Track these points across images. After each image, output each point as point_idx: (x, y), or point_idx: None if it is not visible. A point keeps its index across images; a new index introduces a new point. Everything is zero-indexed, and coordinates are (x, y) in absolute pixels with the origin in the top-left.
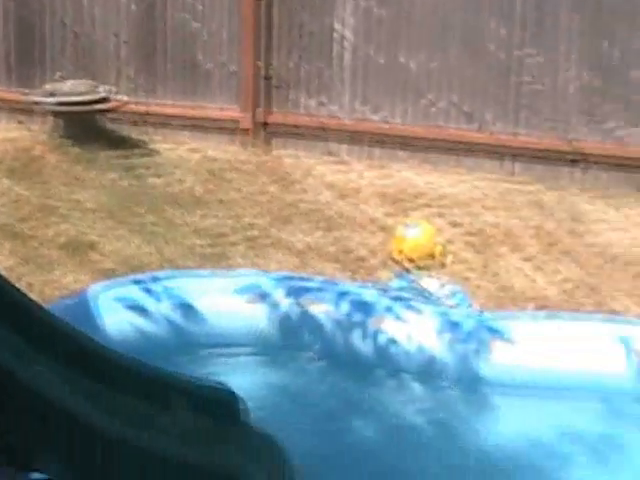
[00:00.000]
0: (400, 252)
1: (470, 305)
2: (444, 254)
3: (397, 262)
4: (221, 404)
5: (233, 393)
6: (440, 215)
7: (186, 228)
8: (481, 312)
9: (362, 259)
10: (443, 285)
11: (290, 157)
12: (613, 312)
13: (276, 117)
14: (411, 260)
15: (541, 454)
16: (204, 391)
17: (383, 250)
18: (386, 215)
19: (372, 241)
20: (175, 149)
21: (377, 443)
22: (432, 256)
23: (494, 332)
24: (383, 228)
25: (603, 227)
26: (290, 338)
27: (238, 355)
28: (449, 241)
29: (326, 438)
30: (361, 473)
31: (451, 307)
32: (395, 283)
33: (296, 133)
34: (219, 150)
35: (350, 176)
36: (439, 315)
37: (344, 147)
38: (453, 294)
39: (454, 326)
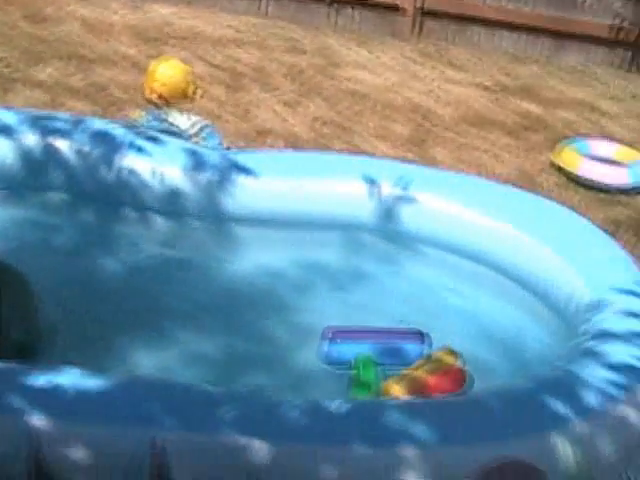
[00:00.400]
0: (152, 90)
1: (220, 142)
2: (197, 93)
3: (149, 100)
4: None
5: None
6: (194, 54)
7: None
8: (228, 148)
9: (114, 97)
10: (194, 122)
11: None
12: (361, 151)
13: None
14: (163, 98)
15: (285, 286)
16: None
17: (136, 88)
18: (140, 53)
19: (125, 79)
20: None
21: (121, 279)
22: (185, 94)
23: (240, 168)
24: (137, 66)
25: (356, 68)
26: (36, 175)
27: None
28: (202, 79)
29: (71, 274)
30: (107, 310)
31: (200, 144)
32: (145, 120)
33: None
34: None
35: (105, 13)
36: (185, 151)
37: None
38: (203, 131)
39: (200, 161)
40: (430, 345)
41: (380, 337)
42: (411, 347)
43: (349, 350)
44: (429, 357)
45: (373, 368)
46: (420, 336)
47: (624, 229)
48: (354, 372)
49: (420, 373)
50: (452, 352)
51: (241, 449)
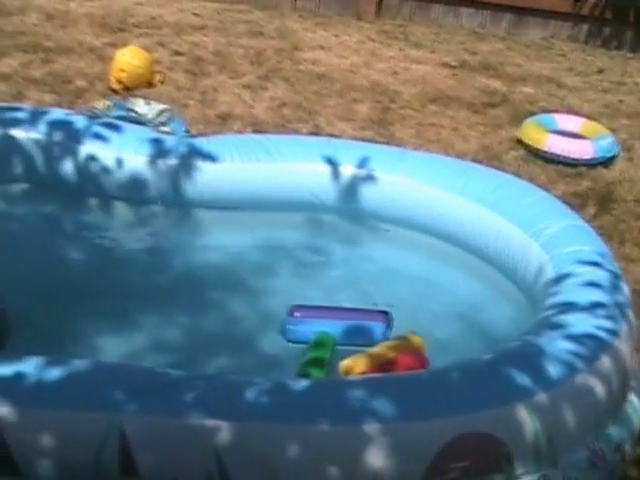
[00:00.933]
0: (118, 81)
1: (187, 130)
2: (162, 81)
3: (114, 90)
4: None
5: None
6: (157, 41)
7: None
8: (193, 135)
9: (78, 87)
10: (159, 110)
11: None
12: (325, 133)
13: None
14: (129, 88)
15: (248, 268)
16: None
17: (100, 78)
18: (105, 44)
19: (90, 70)
20: None
21: (85, 267)
22: (149, 83)
23: (202, 153)
24: (100, 56)
25: (318, 50)
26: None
27: None
28: (165, 66)
29: (35, 264)
30: (70, 297)
31: (167, 132)
32: (111, 110)
33: None
34: None
35: (69, 5)
36: (148, 138)
37: None
38: (168, 118)
39: (163, 148)
40: (390, 326)
41: (344, 315)
42: (375, 327)
43: (312, 328)
44: (394, 338)
45: (329, 347)
46: (385, 316)
47: (590, 203)
48: (308, 349)
49: (382, 350)
50: (417, 336)
51: (204, 431)
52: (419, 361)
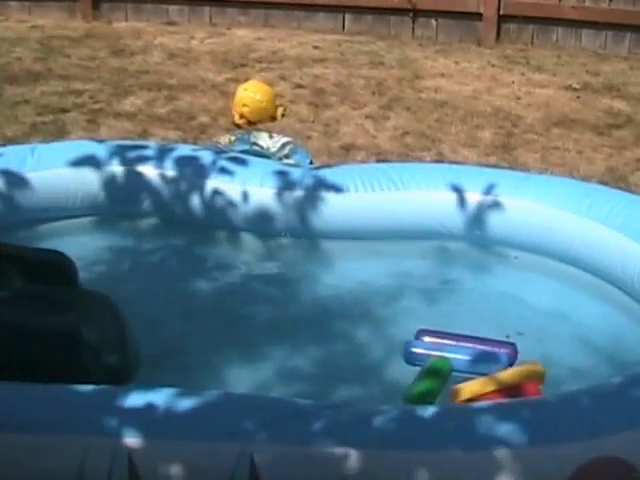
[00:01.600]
0: (241, 116)
1: (311, 162)
2: (285, 114)
3: (238, 126)
4: (55, 269)
5: (66, 257)
6: (278, 75)
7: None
8: (317, 167)
9: (203, 125)
10: (283, 143)
11: (127, 24)
12: (448, 160)
13: None
14: (252, 123)
15: (376, 298)
16: (36, 257)
17: (223, 113)
18: (227, 80)
19: (213, 106)
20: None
21: (214, 300)
22: (272, 117)
23: (328, 184)
24: (224, 93)
25: (438, 78)
26: (128, 203)
27: (78, 224)
28: (287, 99)
29: (163, 298)
30: (200, 329)
31: (291, 165)
32: (235, 145)
33: None
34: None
35: (191, 43)
36: (277, 173)
37: (184, 13)
38: (292, 151)
39: (289, 180)
40: (516, 358)
41: (468, 343)
42: (500, 356)
43: (432, 352)
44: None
45: (441, 374)
46: (511, 347)
47: None
48: (421, 375)
49: (498, 377)
50: (537, 365)
51: (333, 459)
52: (533, 390)
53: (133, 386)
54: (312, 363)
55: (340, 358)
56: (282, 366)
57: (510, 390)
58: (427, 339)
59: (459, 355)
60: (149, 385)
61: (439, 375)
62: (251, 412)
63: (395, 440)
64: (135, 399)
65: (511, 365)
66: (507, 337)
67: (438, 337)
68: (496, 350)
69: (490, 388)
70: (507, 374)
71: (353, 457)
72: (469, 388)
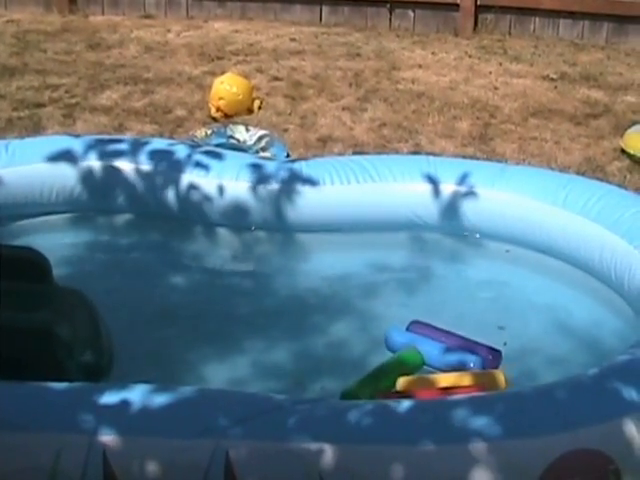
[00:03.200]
0: (218, 109)
1: (288, 155)
2: (262, 107)
3: (215, 119)
4: (28, 265)
5: (40, 254)
6: (255, 68)
7: None
8: (293, 160)
9: (180, 118)
10: (260, 136)
11: (104, 18)
12: (426, 151)
13: None
14: (228, 116)
15: (353, 290)
16: (10, 254)
17: (200, 107)
18: (204, 73)
19: (190, 100)
20: None
21: (189, 294)
22: (250, 111)
23: (307, 177)
24: (201, 86)
25: (416, 69)
26: (103, 198)
27: (53, 220)
28: (267, 94)
29: (138, 293)
30: (177, 324)
31: (268, 158)
32: (212, 139)
33: None
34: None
35: (167, 36)
36: (252, 166)
37: (161, 6)
38: (269, 144)
39: (267, 175)
40: (493, 365)
41: (451, 341)
42: (474, 359)
43: (410, 342)
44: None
45: (398, 367)
46: (493, 353)
47: None
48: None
49: (452, 377)
50: (503, 374)
51: (308, 455)
52: None
53: (107, 383)
54: (289, 357)
55: (318, 351)
56: (259, 360)
57: (452, 390)
58: (415, 330)
59: (434, 350)
60: (123, 382)
61: (400, 366)
62: (226, 408)
63: (370, 435)
64: (109, 396)
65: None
66: (504, 344)
67: (427, 331)
68: (472, 352)
69: (431, 385)
70: (457, 375)
71: (328, 452)
72: (407, 380)
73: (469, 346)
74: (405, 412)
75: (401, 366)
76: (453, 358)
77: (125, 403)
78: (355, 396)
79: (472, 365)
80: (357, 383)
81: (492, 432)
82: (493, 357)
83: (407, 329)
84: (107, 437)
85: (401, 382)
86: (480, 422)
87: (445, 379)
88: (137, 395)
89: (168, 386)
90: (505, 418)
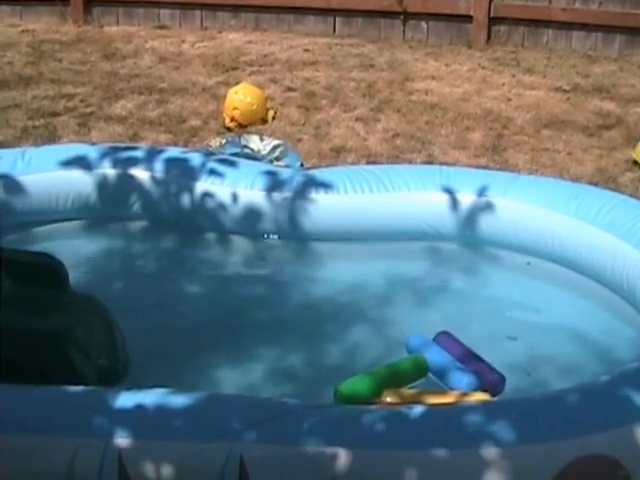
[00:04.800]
0: (232, 119)
1: (301, 164)
2: (275, 117)
3: (229, 129)
4: (45, 271)
5: (56, 260)
6: (269, 78)
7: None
8: (308, 168)
9: (194, 128)
10: (273, 146)
11: (119, 28)
12: (439, 162)
13: None
14: (243, 126)
15: (367, 299)
16: (27, 260)
17: (214, 117)
18: (218, 83)
19: (204, 110)
20: None
21: (204, 302)
22: (263, 119)
23: (320, 186)
24: (215, 96)
25: (429, 80)
26: (118, 206)
27: (69, 227)
28: (278, 102)
29: (154, 300)
30: (191, 331)
31: (282, 167)
32: (226, 148)
33: (120, 1)
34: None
35: (182, 47)
36: (266, 174)
37: (175, 17)
38: (282, 153)
39: (281, 183)
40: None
41: (461, 357)
42: (468, 381)
43: (425, 351)
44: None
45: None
46: (493, 377)
47: None
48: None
49: (436, 395)
50: (484, 396)
51: (322, 459)
52: None
53: (122, 387)
54: (302, 364)
55: (331, 359)
56: (272, 367)
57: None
58: (437, 340)
59: (441, 362)
60: (138, 386)
61: (403, 370)
62: (240, 412)
63: (384, 439)
64: (125, 400)
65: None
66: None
67: (447, 343)
68: (475, 374)
69: (415, 399)
70: (441, 394)
71: (342, 457)
72: (395, 392)
73: (476, 367)
74: (417, 417)
75: (404, 370)
76: (453, 375)
77: (140, 407)
78: (351, 392)
79: (464, 386)
80: (354, 381)
81: (503, 437)
82: (493, 379)
83: (433, 339)
84: (122, 440)
85: (384, 394)
86: (491, 427)
87: (428, 397)
88: (152, 399)
89: (182, 390)
90: (516, 424)
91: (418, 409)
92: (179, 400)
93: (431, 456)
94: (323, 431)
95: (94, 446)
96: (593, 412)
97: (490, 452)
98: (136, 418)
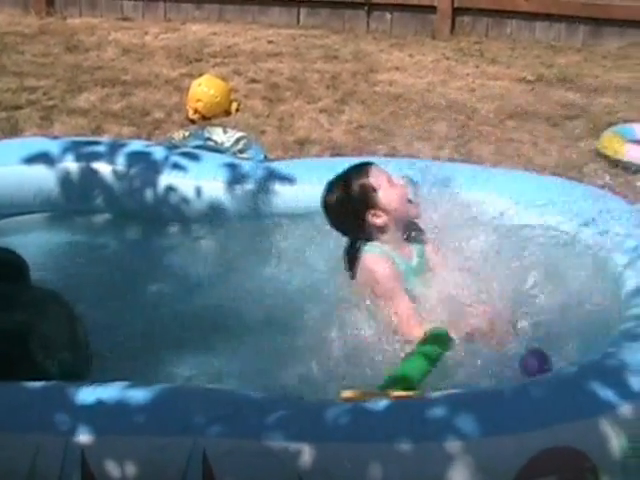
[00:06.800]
0: (195, 111)
1: (265, 156)
2: (239, 109)
3: (193, 122)
4: (5, 266)
5: (17, 255)
6: (233, 70)
7: None
8: (271, 160)
9: (158, 120)
10: (237, 138)
11: (82, 20)
12: (403, 154)
13: None
14: (206, 118)
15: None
16: None
17: (179, 110)
18: (182, 75)
19: (168, 102)
20: None
21: (170, 295)
22: (228, 113)
23: (282, 177)
24: (178, 88)
25: (393, 71)
26: (81, 200)
27: (32, 221)
28: (244, 96)
29: (116, 293)
30: (154, 324)
31: (245, 159)
32: (190, 141)
33: None
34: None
35: (145, 39)
36: (228, 166)
37: (139, 9)
38: (246, 145)
39: (243, 175)
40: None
41: None
42: None
43: None
44: None
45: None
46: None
47: None
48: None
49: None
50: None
51: (286, 454)
52: None
53: (84, 382)
54: (266, 356)
55: (302, 351)
56: (236, 360)
57: None
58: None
59: None
60: (100, 381)
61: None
62: (204, 406)
63: (347, 433)
64: (86, 395)
65: None
66: None
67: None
68: None
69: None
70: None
71: (306, 451)
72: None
73: None
74: (382, 411)
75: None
76: None
77: (102, 402)
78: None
79: None
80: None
81: (469, 430)
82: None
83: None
84: (85, 437)
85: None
86: (457, 420)
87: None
88: (113, 394)
89: (144, 384)
90: (482, 416)
91: (383, 403)
92: (141, 394)
93: (395, 449)
94: (287, 425)
95: (56, 443)
96: (559, 404)
97: (456, 445)
98: (98, 413)
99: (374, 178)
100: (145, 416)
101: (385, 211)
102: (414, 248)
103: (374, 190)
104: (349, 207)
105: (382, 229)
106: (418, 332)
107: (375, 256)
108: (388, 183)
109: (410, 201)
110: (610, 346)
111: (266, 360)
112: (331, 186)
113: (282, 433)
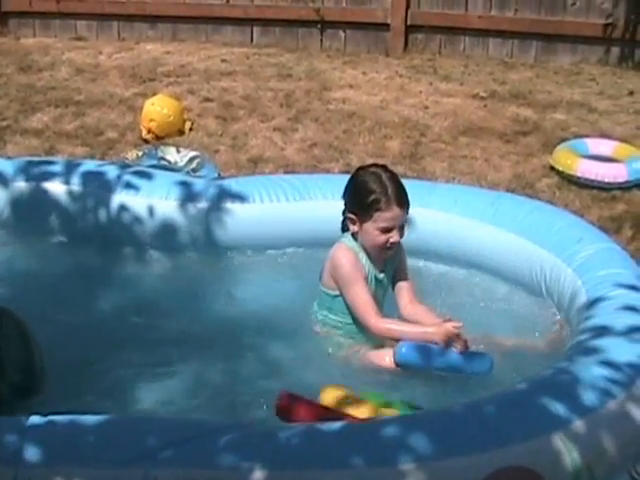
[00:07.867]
0: (149, 131)
1: (219, 175)
2: (193, 128)
3: (146, 141)
4: None
5: None
6: (187, 89)
7: None
8: (224, 178)
9: (111, 140)
10: (190, 157)
11: (35, 40)
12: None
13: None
14: (160, 137)
15: (288, 311)
16: None
17: (133, 130)
18: (135, 95)
19: (121, 121)
20: None
21: (122, 316)
22: (182, 132)
23: (235, 196)
24: (132, 108)
25: (347, 89)
26: (33, 220)
27: None
28: (198, 115)
29: (70, 314)
30: (107, 346)
31: (199, 177)
32: (143, 160)
33: (36, 12)
34: None
35: (99, 58)
36: (181, 185)
37: (92, 28)
38: (199, 165)
39: (196, 195)
40: None
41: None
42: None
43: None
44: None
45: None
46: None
47: (626, 226)
48: None
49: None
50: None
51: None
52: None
53: (33, 414)
54: (223, 380)
55: (252, 373)
56: (191, 382)
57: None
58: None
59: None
60: (50, 412)
61: None
62: (154, 435)
63: (302, 459)
64: (36, 426)
65: None
66: None
67: None
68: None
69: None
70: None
71: (258, 477)
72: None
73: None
74: (336, 434)
75: None
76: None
77: (50, 434)
78: None
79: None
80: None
81: (422, 452)
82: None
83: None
84: (33, 469)
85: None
86: (410, 442)
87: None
88: (63, 424)
89: (94, 415)
90: (434, 437)
91: (335, 425)
92: (91, 424)
93: (350, 474)
94: (240, 451)
95: (5, 475)
96: (510, 423)
97: (409, 468)
98: (47, 444)
99: (388, 213)
100: (94, 447)
101: (361, 231)
102: (386, 265)
103: (377, 210)
104: (357, 193)
105: (354, 235)
106: (375, 320)
107: (345, 246)
108: (385, 228)
109: (389, 248)
110: (558, 361)
111: (225, 382)
112: (375, 171)
113: (234, 459)
